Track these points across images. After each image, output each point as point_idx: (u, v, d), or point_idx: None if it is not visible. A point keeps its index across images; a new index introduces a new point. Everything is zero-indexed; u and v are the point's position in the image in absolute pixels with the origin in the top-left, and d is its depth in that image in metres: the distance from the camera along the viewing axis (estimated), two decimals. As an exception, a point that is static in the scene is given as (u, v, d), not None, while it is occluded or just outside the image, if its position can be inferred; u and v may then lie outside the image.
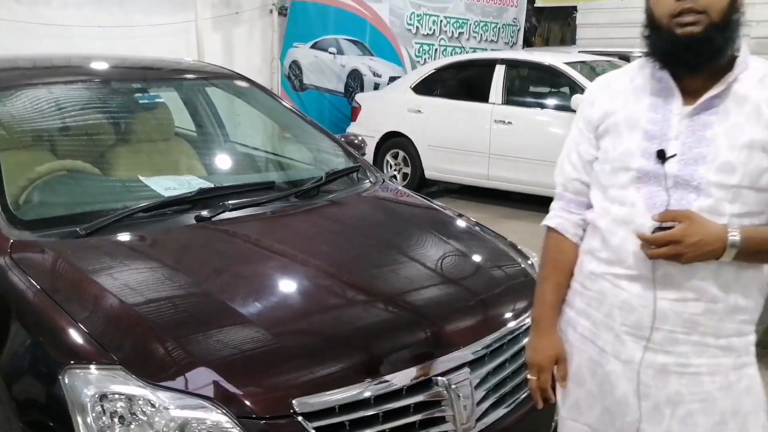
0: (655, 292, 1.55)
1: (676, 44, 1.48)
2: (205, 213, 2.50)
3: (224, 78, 3.72)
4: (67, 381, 1.76)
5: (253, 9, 8.83)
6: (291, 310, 2.11)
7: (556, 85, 7.06)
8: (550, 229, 1.78)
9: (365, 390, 1.83)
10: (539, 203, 5.66)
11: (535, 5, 12.42)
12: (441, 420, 1.93)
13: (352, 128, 8.23)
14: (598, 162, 1.67)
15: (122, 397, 1.73)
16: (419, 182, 7.72)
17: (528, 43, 13.12)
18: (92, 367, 1.78)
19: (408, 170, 7.83)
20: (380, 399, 1.85)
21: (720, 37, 1.47)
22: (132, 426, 1.71)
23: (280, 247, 2.46)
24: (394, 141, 7.86)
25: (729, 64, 1.52)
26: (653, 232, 1.49)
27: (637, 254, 1.55)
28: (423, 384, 1.92)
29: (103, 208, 2.46)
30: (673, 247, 1.45)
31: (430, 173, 7.61)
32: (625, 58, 8.87)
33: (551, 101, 6.94)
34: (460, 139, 7.18)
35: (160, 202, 2.53)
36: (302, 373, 1.83)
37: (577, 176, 1.72)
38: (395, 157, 7.93)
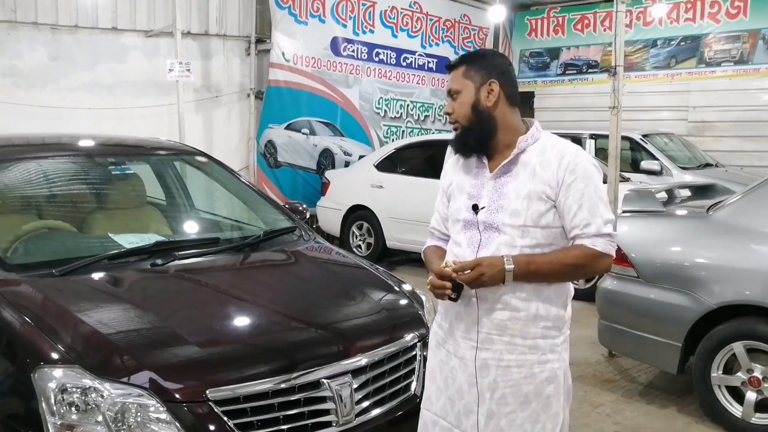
0: (477, 305, 2.17)
1: (455, 138, 2.24)
2: (159, 261, 3.11)
3: (189, 154, 4.37)
4: (36, 377, 2.31)
5: (231, 93, 9.48)
6: (215, 327, 2.70)
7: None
8: (427, 248, 2.41)
9: (264, 386, 2.41)
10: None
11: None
12: (326, 412, 2.50)
13: (322, 202, 8.90)
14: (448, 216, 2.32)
15: (78, 389, 2.29)
16: (381, 251, 8.34)
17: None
18: (56, 366, 2.34)
19: (371, 240, 8.46)
20: (277, 393, 2.43)
21: (471, 134, 2.20)
22: (86, 411, 2.27)
23: (215, 284, 3.07)
24: (358, 213, 8.52)
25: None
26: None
27: None
28: (313, 384, 2.50)
29: (77, 256, 3.06)
30: (478, 275, 2.06)
31: (390, 243, 8.23)
32: (577, 139, 9.61)
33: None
34: (417, 212, 7.73)
35: (121, 252, 3.15)
36: (216, 372, 2.41)
37: (438, 228, 2.42)
38: (360, 228, 8.56)
